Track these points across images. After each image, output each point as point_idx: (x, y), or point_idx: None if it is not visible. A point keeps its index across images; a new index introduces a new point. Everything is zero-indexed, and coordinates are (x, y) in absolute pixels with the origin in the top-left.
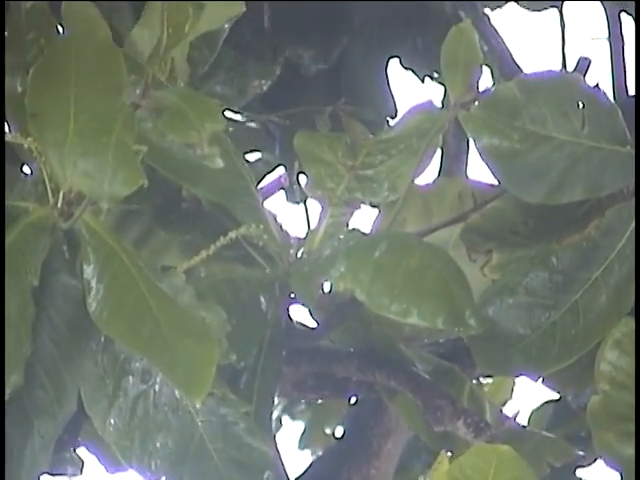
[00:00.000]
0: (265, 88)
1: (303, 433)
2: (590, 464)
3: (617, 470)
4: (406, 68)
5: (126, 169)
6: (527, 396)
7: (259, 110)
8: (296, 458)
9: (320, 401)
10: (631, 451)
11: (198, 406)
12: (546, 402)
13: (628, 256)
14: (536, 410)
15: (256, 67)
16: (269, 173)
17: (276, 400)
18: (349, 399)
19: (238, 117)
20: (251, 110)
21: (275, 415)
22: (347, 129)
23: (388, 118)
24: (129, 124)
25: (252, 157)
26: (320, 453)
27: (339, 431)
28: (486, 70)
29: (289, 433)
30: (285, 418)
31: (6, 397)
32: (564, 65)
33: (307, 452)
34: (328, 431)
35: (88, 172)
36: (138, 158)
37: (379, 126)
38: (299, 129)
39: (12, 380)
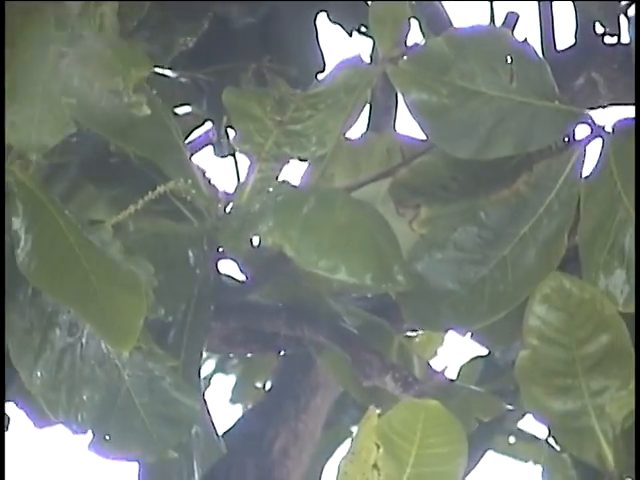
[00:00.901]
0: (191, 45)
1: (234, 387)
2: (519, 418)
3: (545, 424)
4: (334, 22)
5: (53, 119)
6: (457, 351)
7: (185, 66)
8: (228, 413)
9: (249, 356)
10: (559, 405)
11: (125, 357)
12: (475, 357)
13: (556, 211)
14: (465, 365)
15: (182, 24)
16: (197, 127)
17: (205, 355)
18: (278, 354)
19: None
20: (177, 66)
21: (207, 371)
22: (272, 87)
23: (316, 72)
24: (55, 74)
25: (180, 111)
26: (246, 407)
27: (269, 385)
28: (415, 24)
29: (221, 388)
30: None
31: None
32: (492, 20)
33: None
34: (259, 385)
35: (15, 124)
36: (65, 108)
37: (307, 80)
38: (225, 86)
39: None
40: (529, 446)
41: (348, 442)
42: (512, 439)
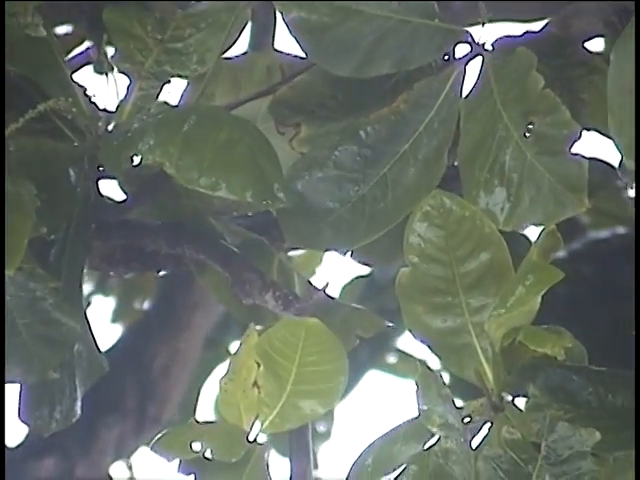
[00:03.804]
0: None
1: (115, 308)
2: (402, 334)
3: (425, 343)
4: None
5: None
6: (339, 270)
7: None
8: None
9: (129, 275)
10: (439, 323)
11: (7, 277)
12: (357, 277)
13: (436, 130)
14: (347, 285)
15: None
16: (77, 46)
17: (86, 276)
18: (158, 273)
19: None
20: None
21: (87, 292)
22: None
23: None
24: None
25: (60, 30)
26: (126, 326)
27: (150, 304)
28: None
29: (102, 308)
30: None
31: None
32: None
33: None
34: (137, 305)
35: None
36: None
37: None
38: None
39: None
40: (409, 364)
41: (228, 360)
42: (392, 358)
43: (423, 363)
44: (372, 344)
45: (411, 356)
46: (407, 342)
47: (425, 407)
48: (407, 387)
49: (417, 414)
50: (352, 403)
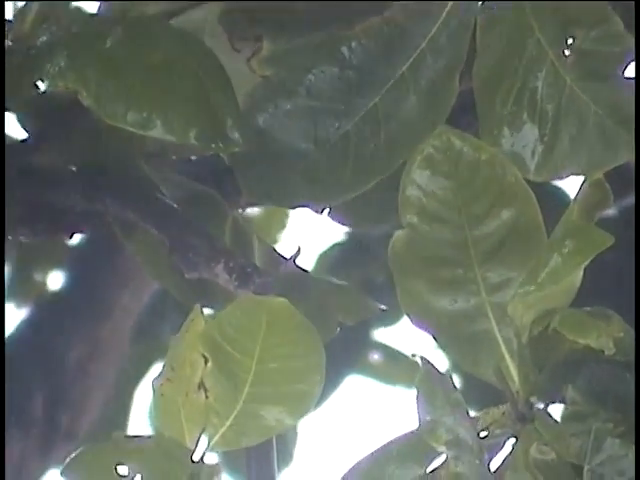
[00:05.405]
0: None
1: (8, 282)
2: (392, 323)
3: (426, 330)
4: None
5: None
6: (313, 233)
7: None
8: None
9: (33, 240)
10: (447, 304)
11: None
12: (337, 243)
13: (444, 46)
14: (324, 253)
15: None
16: None
17: None
18: (71, 236)
19: None
20: None
21: None
22: None
23: None
24: None
25: None
26: (29, 308)
27: (54, 279)
28: None
29: None
30: None
31: None
32: None
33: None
34: (40, 278)
35: None
36: None
37: None
38: None
39: None
40: (398, 365)
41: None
42: (377, 357)
43: (425, 360)
44: (351, 336)
45: (403, 354)
46: (398, 334)
47: (428, 418)
48: (396, 395)
49: (417, 426)
50: (321, 417)
